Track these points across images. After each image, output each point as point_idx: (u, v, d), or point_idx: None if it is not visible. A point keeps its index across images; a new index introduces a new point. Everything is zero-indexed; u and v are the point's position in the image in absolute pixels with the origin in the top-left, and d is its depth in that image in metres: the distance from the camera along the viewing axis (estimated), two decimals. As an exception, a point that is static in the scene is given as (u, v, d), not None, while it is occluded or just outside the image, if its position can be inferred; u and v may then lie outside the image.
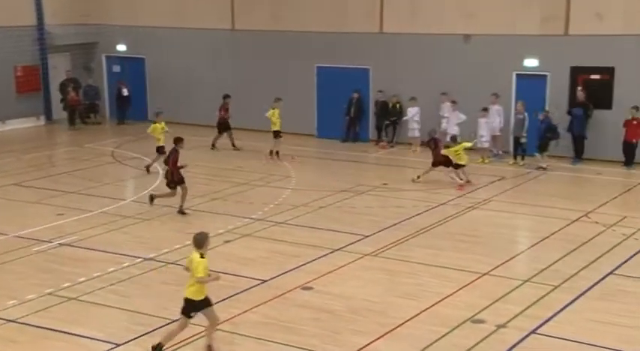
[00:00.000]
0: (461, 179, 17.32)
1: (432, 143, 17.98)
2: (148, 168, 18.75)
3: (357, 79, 22.34)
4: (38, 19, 25.43)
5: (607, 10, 19.20)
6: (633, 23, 18.97)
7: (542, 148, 18.86)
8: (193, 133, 23.99)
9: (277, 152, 20.10)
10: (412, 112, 21.14)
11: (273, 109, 20.32)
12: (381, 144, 21.93)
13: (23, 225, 14.61)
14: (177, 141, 15.35)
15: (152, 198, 15.69)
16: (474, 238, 13.81)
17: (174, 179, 15.26)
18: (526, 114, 19.40)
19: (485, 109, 19.83)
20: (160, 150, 18.43)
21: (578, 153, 19.41)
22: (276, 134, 20.24)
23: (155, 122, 19.06)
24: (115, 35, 26.21)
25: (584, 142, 19.33)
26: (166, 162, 15.58)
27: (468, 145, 17.57)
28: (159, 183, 17.80)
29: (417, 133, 21.18)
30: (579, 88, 19.15)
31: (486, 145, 19.99)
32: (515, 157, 19.72)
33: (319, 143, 22.72)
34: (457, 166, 17.34)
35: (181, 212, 15.19)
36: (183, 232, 14.15)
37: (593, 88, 19.33)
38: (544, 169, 18.75)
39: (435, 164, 17.72)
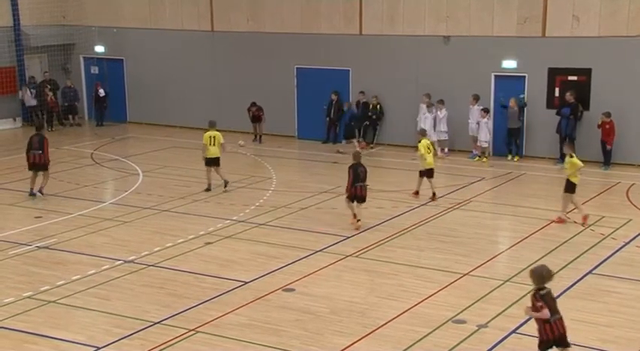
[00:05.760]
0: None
1: None
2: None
3: (338, 81, 22.36)
4: (14, 20, 25.18)
5: (584, 13, 19.40)
6: (609, 25, 19.18)
7: (347, 135, 20.86)
8: (172, 134, 23.97)
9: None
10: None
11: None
12: (361, 144, 21.95)
13: (0, 228, 14.46)
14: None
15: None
16: (454, 239, 13.86)
17: None
18: (517, 108, 19.77)
19: (486, 110, 19.98)
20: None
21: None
22: None
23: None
24: (92, 36, 26.01)
25: (574, 143, 19.48)
26: None
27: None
28: (139, 184, 17.75)
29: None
30: (568, 92, 19.31)
31: (485, 145, 20.16)
32: (510, 153, 20.11)
33: (300, 144, 22.72)
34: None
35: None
36: (163, 234, 14.10)
37: (572, 90, 19.49)
38: (341, 153, 20.59)
39: None
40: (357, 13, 22.12)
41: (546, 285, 8.28)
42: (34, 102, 25.12)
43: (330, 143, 22.42)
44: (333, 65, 22.46)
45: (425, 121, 20.54)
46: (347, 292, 11.29)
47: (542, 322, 8.23)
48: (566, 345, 8.42)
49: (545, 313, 8.13)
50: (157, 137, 23.67)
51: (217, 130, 17.15)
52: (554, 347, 8.39)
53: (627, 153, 19.28)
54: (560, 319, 8.32)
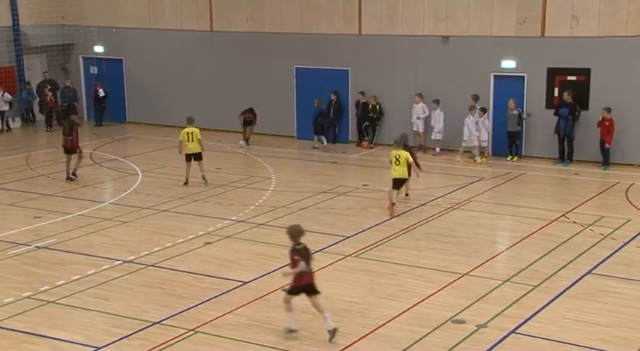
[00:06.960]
0: None
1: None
2: None
3: (337, 81, 22.36)
4: (13, 20, 25.19)
5: (583, 13, 19.41)
6: (608, 26, 19.18)
7: (317, 130, 21.43)
8: (171, 134, 23.94)
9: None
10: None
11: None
12: (363, 143, 21.98)
13: (0, 228, 14.46)
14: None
15: None
16: (453, 239, 13.86)
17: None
18: (519, 109, 19.78)
19: (484, 110, 19.98)
20: None
21: (569, 154, 19.57)
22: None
23: None
24: (92, 36, 26.02)
25: (573, 143, 19.53)
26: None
27: None
28: (138, 184, 17.76)
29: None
30: (566, 92, 19.33)
31: (484, 144, 20.16)
32: (511, 153, 20.08)
33: (299, 144, 22.73)
34: None
35: None
36: (163, 234, 14.10)
37: (569, 90, 19.50)
38: (316, 148, 21.36)
39: None
40: (356, 13, 22.13)
41: (301, 241, 9.66)
42: (5, 107, 24.64)
43: (330, 143, 22.42)
44: (332, 65, 22.46)
45: (471, 125, 20.03)
46: (346, 292, 11.29)
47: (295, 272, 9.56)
48: (315, 292, 9.71)
49: (302, 265, 9.51)
50: (156, 137, 23.67)
51: (196, 127, 17.60)
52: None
53: (626, 153, 19.30)
54: (310, 270, 9.68)
